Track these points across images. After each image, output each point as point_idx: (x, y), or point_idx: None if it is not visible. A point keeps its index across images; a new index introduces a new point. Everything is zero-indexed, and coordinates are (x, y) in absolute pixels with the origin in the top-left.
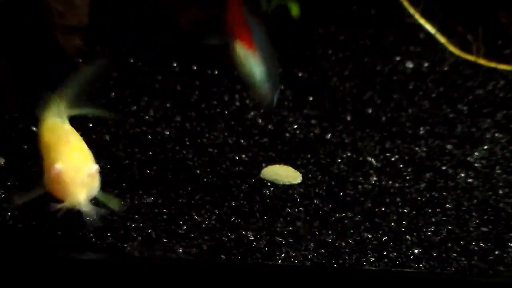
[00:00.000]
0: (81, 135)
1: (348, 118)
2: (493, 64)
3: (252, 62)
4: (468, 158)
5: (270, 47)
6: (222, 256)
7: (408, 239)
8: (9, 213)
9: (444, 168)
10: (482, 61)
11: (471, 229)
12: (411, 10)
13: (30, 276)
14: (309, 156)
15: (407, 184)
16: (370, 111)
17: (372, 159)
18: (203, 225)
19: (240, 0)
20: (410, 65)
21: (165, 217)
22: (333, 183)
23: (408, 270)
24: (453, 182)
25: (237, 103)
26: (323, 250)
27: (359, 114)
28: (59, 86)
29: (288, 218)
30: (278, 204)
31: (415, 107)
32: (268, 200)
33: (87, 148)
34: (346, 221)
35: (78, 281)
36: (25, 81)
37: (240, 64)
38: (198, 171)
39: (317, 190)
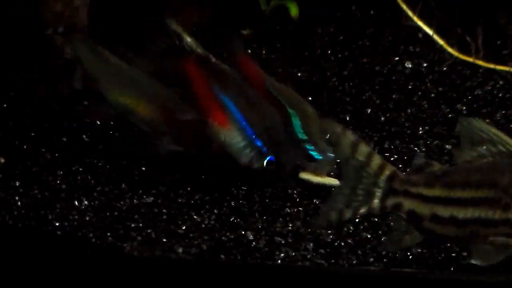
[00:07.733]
0: None
1: (348, 118)
2: (491, 65)
3: (228, 138)
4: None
5: (261, 104)
6: (222, 256)
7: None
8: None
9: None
10: (480, 62)
11: None
12: (409, 12)
13: (30, 276)
14: None
15: None
16: (369, 111)
17: None
18: (203, 225)
19: (204, 78)
20: (409, 65)
21: (165, 217)
22: None
23: (408, 270)
24: None
25: None
26: (323, 250)
27: (358, 114)
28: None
29: (288, 218)
30: (278, 204)
31: (415, 107)
32: (268, 200)
33: None
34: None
35: (78, 281)
36: (24, 80)
37: (217, 141)
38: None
39: (316, 190)
